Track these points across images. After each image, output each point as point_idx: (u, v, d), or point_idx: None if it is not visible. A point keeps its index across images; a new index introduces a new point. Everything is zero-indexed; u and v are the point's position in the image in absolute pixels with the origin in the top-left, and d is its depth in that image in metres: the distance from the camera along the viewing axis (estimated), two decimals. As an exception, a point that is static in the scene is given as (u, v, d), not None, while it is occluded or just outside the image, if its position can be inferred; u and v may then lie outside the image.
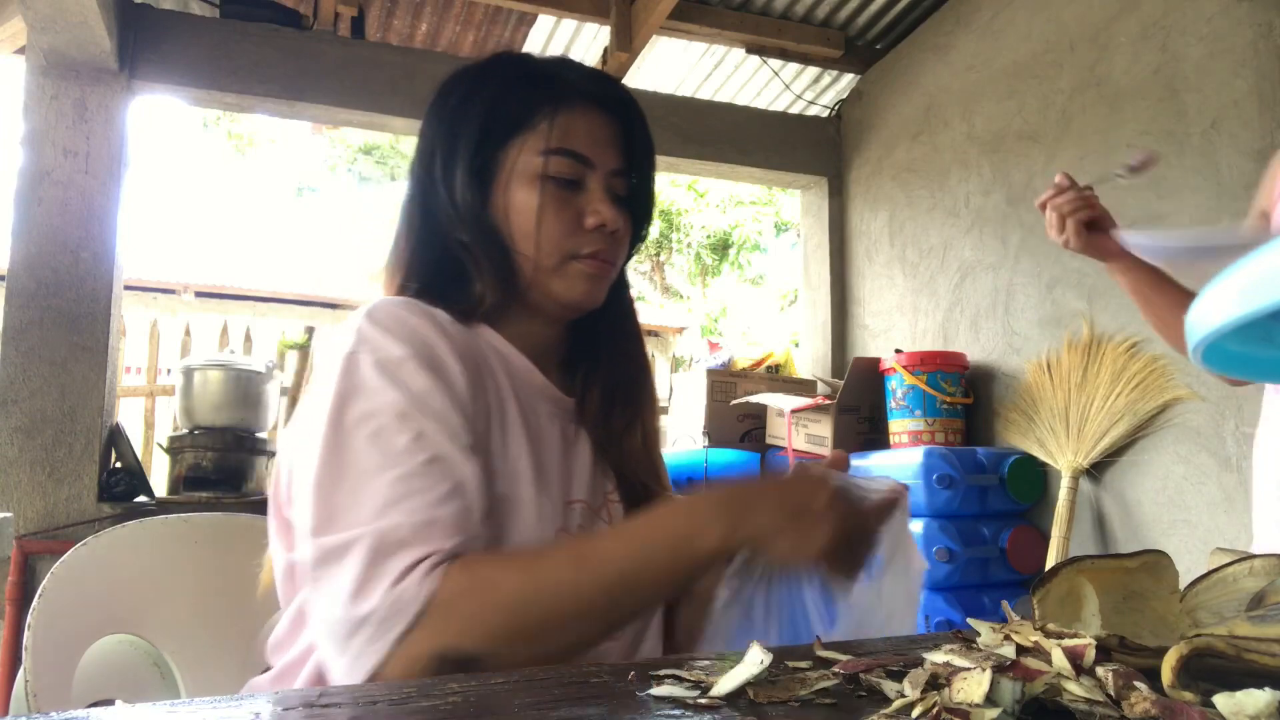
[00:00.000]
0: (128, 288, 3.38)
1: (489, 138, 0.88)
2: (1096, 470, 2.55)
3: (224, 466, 3.05)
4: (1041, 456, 2.67)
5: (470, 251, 0.87)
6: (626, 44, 3.27)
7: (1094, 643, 0.51)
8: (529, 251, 0.86)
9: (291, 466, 0.77)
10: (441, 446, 0.72)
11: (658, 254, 11.64)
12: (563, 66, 0.92)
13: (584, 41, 3.67)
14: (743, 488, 0.73)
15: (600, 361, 0.96)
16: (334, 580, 0.67)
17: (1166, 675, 0.50)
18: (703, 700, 0.49)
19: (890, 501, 0.78)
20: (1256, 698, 0.44)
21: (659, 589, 0.73)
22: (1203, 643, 0.50)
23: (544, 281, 0.87)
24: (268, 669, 0.84)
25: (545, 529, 0.81)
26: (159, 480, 3.18)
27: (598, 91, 0.90)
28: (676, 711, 0.47)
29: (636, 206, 0.93)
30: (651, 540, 0.70)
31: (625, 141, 0.91)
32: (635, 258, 1.00)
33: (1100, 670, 0.49)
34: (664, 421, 3.64)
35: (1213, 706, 0.45)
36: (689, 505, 0.71)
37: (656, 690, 0.50)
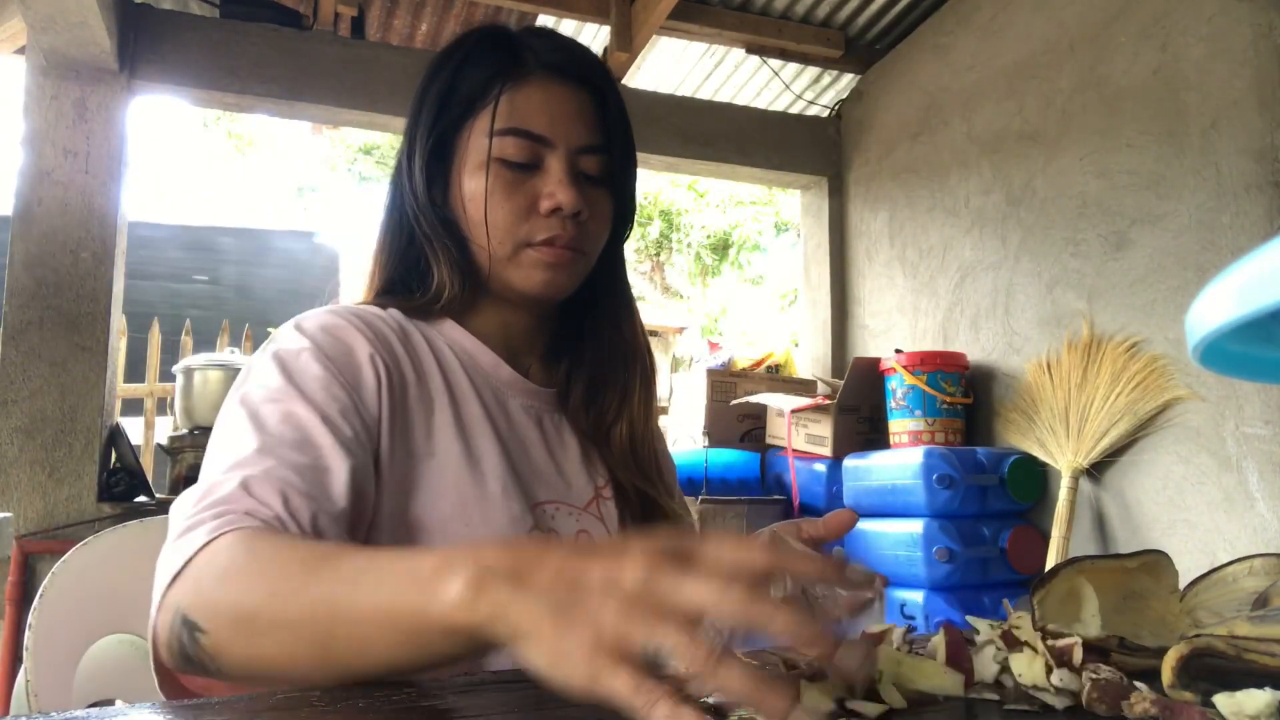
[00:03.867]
0: (128, 288, 3.38)
1: (444, 123, 0.84)
2: (1096, 470, 2.55)
3: (224, 466, 3.04)
4: (1041, 456, 2.66)
5: (430, 244, 0.85)
6: (626, 44, 3.27)
7: (1079, 640, 0.51)
8: (483, 241, 0.82)
9: None
10: (307, 428, 0.69)
11: (658, 254, 11.64)
12: (527, 36, 0.85)
13: (584, 41, 3.67)
14: (525, 551, 0.46)
15: (584, 351, 0.91)
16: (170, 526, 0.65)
17: (1166, 675, 0.50)
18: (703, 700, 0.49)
19: (864, 601, 0.70)
20: (1256, 698, 0.44)
21: (370, 644, 0.51)
22: (1203, 643, 0.50)
23: (500, 272, 0.83)
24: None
25: (514, 530, 0.77)
26: (159, 480, 3.18)
27: (560, 61, 0.83)
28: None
29: (616, 184, 0.86)
30: (375, 584, 0.51)
31: (599, 115, 0.84)
32: (634, 250, 0.95)
33: (1070, 673, 0.49)
34: (664, 421, 3.64)
35: (1213, 706, 0.45)
36: (441, 558, 0.49)
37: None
